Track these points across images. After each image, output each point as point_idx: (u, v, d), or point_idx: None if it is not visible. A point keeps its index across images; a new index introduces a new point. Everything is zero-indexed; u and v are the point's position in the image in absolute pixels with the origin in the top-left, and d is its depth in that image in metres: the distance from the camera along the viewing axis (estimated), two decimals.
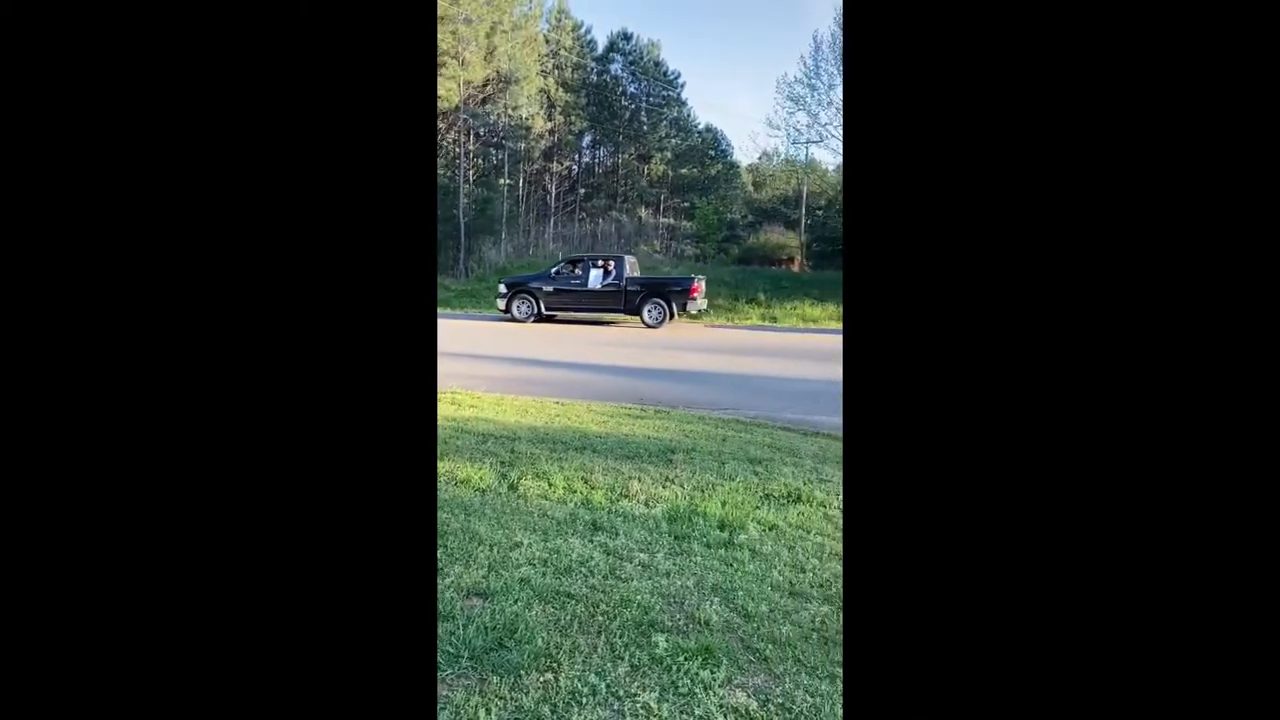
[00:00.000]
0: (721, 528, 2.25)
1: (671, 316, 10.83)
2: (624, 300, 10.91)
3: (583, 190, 24.81)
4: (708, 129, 26.30)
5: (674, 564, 1.93)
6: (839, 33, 24.35)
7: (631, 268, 11.67)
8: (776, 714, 1.26)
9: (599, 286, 11.08)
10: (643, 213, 24.05)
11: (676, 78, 25.54)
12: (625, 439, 3.53)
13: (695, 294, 10.87)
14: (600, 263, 11.34)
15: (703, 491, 2.65)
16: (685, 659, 1.40)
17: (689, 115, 25.99)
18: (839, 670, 1.41)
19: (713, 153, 26.20)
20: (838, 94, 23.82)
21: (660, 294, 10.89)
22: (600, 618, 1.58)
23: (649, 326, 10.72)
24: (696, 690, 1.30)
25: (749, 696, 1.30)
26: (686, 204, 24.37)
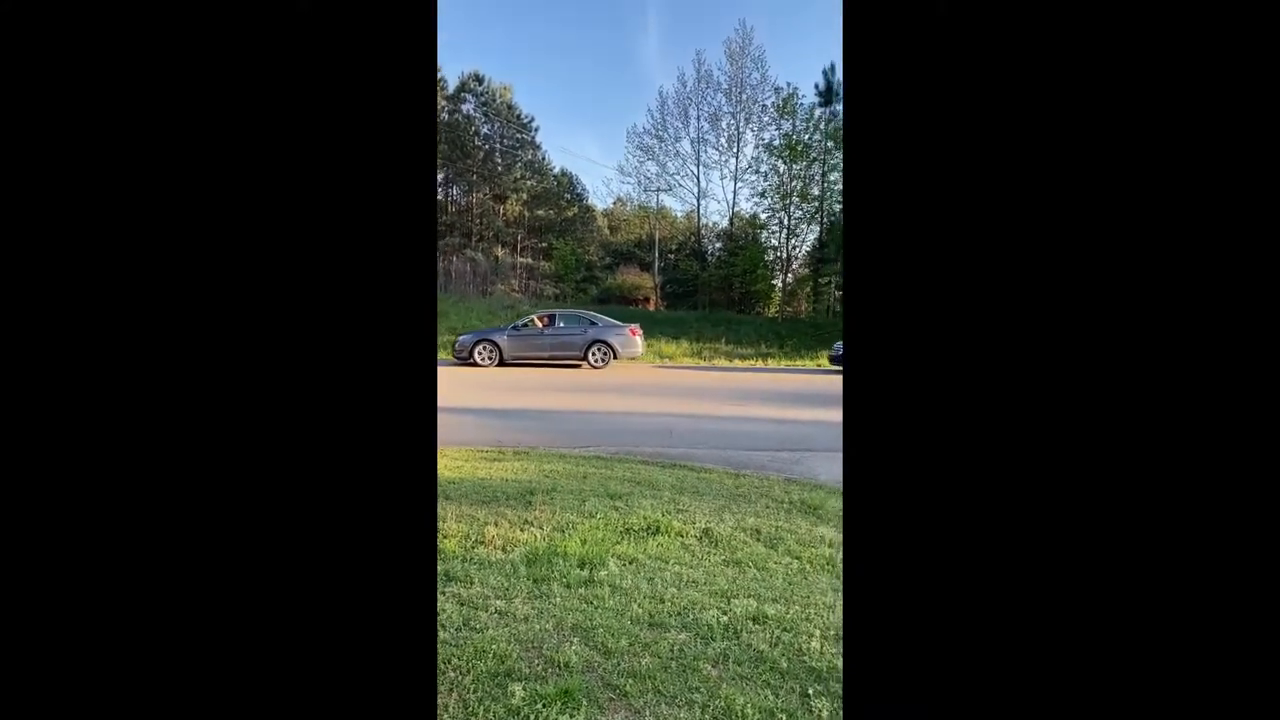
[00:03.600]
0: (582, 566, 2.22)
1: None
2: None
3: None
4: (563, 172, 26.86)
5: (532, 608, 1.86)
6: (682, 90, 26.25)
7: None
8: None
9: None
10: (499, 252, 23.78)
11: (530, 121, 25.91)
12: (481, 483, 3.39)
13: None
14: None
15: (563, 531, 2.61)
16: (544, 705, 1.35)
17: (544, 158, 26.40)
18: (697, 696, 1.44)
19: (569, 196, 26.74)
20: (684, 146, 25.56)
21: None
22: (452, 673, 1.47)
23: None
24: None
25: None
26: (544, 245, 24.53)
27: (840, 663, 1.60)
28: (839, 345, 11.87)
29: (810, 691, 1.48)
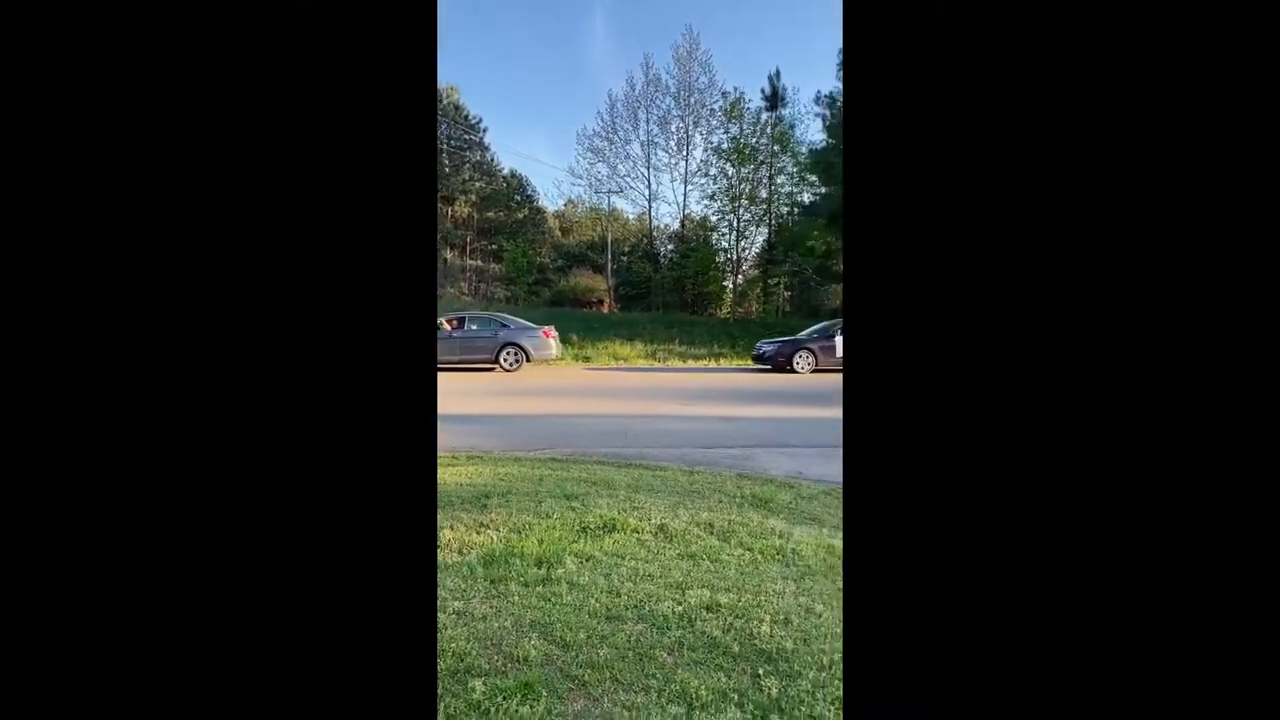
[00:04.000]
0: (539, 565, 2.25)
1: None
2: None
3: None
4: (513, 174, 26.60)
5: (490, 607, 1.89)
6: (631, 93, 26.45)
7: None
8: None
9: None
10: (448, 255, 23.37)
11: (478, 122, 25.56)
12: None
13: None
14: None
15: (519, 532, 2.62)
16: (504, 698, 1.38)
17: (493, 159, 26.09)
18: (653, 682, 1.49)
19: (519, 197, 26.50)
20: (634, 148, 25.70)
21: None
22: None
23: None
24: None
25: None
26: (494, 247, 24.24)
27: (790, 644, 1.69)
28: (761, 344, 12.06)
29: (760, 672, 1.55)
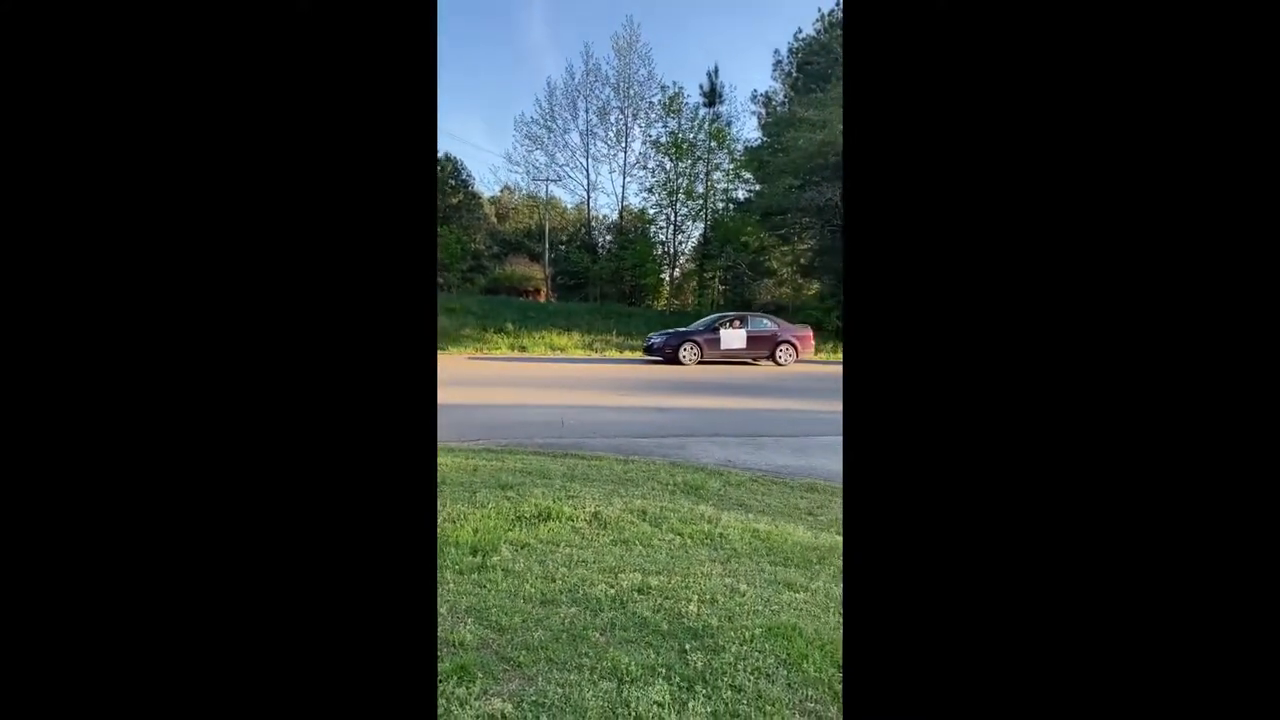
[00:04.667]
0: (474, 553, 2.27)
1: None
2: None
3: None
4: (447, 157, 25.82)
5: None
6: (570, 81, 26.20)
7: None
8: (531, 711, 1.35)
9: None
10: None
11: None
12: None
13: None
14: None
15: (454, 522, 2.63)
16: (440, 681, 1.42)
17: None
18: (586, 660, 1.56)
19: (453, 182, 25.78)
20: (573, 137, 25.48)
21: None
22: None
23: None
24: (453, 708, 1.33)
25: (504, 701, 1.37)
26: None
27: (715, 621, 1.79)
28: (650, 336, 12.28)
29: (687, 647, 1.65)
